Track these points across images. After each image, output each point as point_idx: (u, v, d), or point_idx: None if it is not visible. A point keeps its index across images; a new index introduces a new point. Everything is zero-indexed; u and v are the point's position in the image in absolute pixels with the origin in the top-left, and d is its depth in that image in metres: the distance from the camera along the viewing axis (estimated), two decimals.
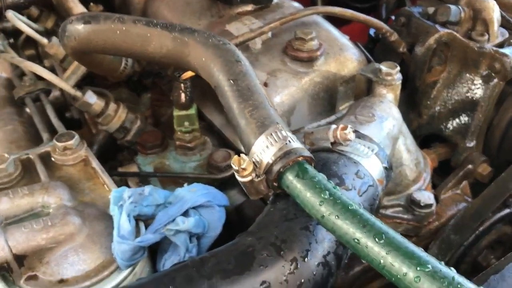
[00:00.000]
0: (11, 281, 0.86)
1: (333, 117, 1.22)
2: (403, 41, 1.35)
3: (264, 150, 0.80)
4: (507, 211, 1.14)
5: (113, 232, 0.90)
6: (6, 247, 0.83)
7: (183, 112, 1.24)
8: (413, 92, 1.32)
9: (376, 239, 0.67)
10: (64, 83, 1.27)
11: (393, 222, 1.10)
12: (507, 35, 1.31)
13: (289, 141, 0.80)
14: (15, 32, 1.60)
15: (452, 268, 0.63)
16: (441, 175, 1.33)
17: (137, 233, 0.93)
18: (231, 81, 0.90)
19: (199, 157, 1.28)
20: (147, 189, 0.97)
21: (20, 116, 1.37)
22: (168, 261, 0.94)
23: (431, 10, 1.37)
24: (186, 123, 1.25)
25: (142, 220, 0.97)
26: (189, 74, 1.16)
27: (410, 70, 1.29)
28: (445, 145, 1.35)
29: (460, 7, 1.31)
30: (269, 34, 1.30)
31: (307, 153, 0.81)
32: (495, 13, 1.29)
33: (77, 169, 1.05)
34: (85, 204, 0.97)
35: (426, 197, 1.09)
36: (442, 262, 0.64)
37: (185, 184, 1.05)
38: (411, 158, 1.12)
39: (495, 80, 1.22)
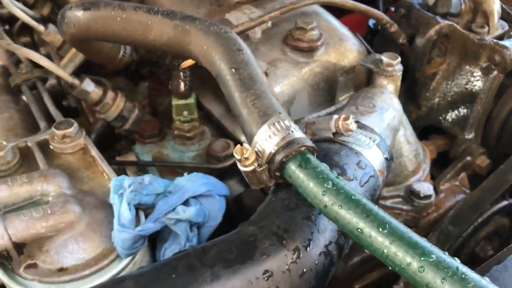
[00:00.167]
0: (10, 269, 0.86)
1: (333, 108, 1.22)
2: (403, 32, 1.35)
3: (266, 139, 0.80)
4: (505, 202, 1.15)
5: (113, 220, 0.90)
6: (5, 235, 0.83)
7: (182, 101, 1.23)
8: (413, 84, 1.32)
9: (380, 229, 0.67)
10: (62, 71, 1.25)
11: (392, 213, 1.10)
12: (507, 27, 1.31)
13: (292, 131, 0.80)
14: (11, 19, 1.58)
15: (456, 258, 0.63)
16: (438, 166, 1.33)
17: (137, 222, 0.93)
18: (233, 70, 0.89)
19: (197, 146, 1.28)
20: (147, 178, 0.97)
21: (16, 104, 1.35)
22: (168, 250, 0.93)
23: (431, 1, 1.36)
24: (185, 113, 1.24)
25: (142, 209, 0.97)
26: (188, 62, 1.15)
27: (410, 61, 1.29)
28: (444, 136, 1.35)
29: None
30: (269, 24, 1.29)
31: (309, 143, 0.80)
32: (495, 5, 1.29)
33: (76, 158, 1.04)
34: (85, 192, 0.96)
35: (425, 188, 1.09)
36: (446, 252, 0.64)
37: (185, 173, 1.04)
38: (411, 149, 1.12)
39: (495, 72, 1.22)
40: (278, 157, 0.78)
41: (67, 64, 1.35)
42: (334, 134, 0.92)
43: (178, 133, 1.27)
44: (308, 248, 0.76)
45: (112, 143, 1.45)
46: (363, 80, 1.32)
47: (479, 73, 1.24)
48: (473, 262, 1.15)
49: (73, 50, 1.31)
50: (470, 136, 1.28)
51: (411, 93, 1.34)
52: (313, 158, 0.78)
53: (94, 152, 1.04)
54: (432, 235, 1.09)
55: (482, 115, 1.27)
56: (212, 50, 0.93)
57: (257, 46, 1.25)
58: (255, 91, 0.86)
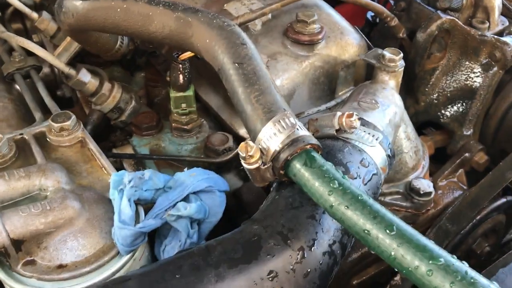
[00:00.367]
0: (8, 266, 0.84)
1: (333, 102, 1.21)
2: (403, 27, 1.34)
3: (271, 137, 0.79)
4: (503, 200, 1.15)
5: (112, 216, 0.89)
6: (3, 232, 0.81)
7: (181, 94, 1.21)
8: (412, 79, 1.31)
9: (387, 231, 0.67)
10: (58, 61, 1.23)
11: (391, 209, 1.10)
12: (507, 23, 1.31)
13: (297, 128, 0.79)
14: (2, 5, 1.54)
15: (465, 262, 0.63)
16: (435, 162, 1.33)
17: (137, 217, 0.92)
18: (236, 65, 0.87)
19: (195, 139, 1.26)
20: (147, 173, 0.95)
21: (9, 93, 1.33)
22: (168, 246, 0.93)
23: None
24: (183, 105, 1.23)
25: (141, 205, 0.95)
26: (187, 54, 1.13)
27: (410, 56, 1.28)
28: (442, 132, 1.35)
29: None
30: (269, 15, 1.27)
31: (314, 141, 0.80)
32: (496, 1, 1.28)
33: (74, 151, 1.02)
34: (84, 187, 0.95)
35: (425, 185, 1.09)
36: (454, 256, 0.64)
37: (185, 168, 1.03)
38: (411, 145, 1.12)
39: (495, 69, 1.22)
40: (283, 155, 0.78)
41: (62, 53, 1.32)
42: (337, 131, 0.91)
43: (176, 126, 1.25)
44: (313, 248, 0.76)
45: (107, 134, 1.42)
46: (362, 74, 1.31)
47: (479, 69, 1.24)
48: (469, 258, 1.15)
49: (68, 38, 1.28)
50: (468, 132, 1.28)
51: (410, 88, 1.33)
52: (318, 157, 0.77)
53: (92, 145, 1.03)
54: (430, 231, 1.10)
55: (481, 112, 1.27)
56: (215, 44, 0.91)
57: (257, 38, 1.24)
58: (259, 87, 0.84)
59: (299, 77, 1.20)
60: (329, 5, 1.36)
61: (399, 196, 1.12)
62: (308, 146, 0.78)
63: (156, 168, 1.21)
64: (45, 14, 1.35)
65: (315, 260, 0.76)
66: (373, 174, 0.89)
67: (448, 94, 1.30)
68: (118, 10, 0.95)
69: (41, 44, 1.46)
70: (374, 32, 1.52)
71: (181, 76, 1.19)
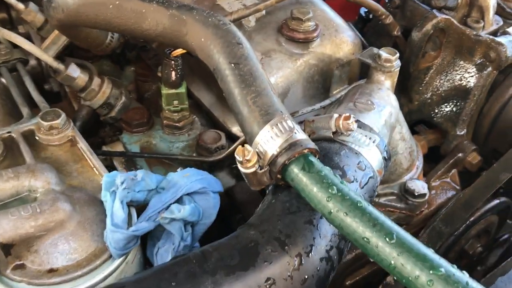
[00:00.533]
0: None
1: (327, 101, 1.20)
2: (397, 25, 1.33)
3: (268, 140, 0.77)
4: (496, 201, 1.16)
5: (104, 218, 0.87)
6: None
7: (173, 91, 1.19)
8: (406, 77, 1.31)
9: (387, 239, 0.66)
10: (46, 55, 1.19)
11: (385, 211, 1.10)
12: (501, 23, 1.31)
13: (294, 132, 0.78)
14: None
15: (465, 272, 0.63)
16: (427, 161, 1.33)
17: (129, 220, 0.90)
18: (232, 65, 0.86)
19: (187, 137, 1.24)
20: (139, 174, 0.93)
21: None
22: (162, 249, 0.91)
23: None
24: (175, 102, 1.20)
25: (134, 206, 0.93)
26: (180, 51, 1.11)
27: (405, 55, 1.27)
28: (434, 131, 1.35)
29: None
30: (263, 12, 1.25)
31: (312, 145, 0.78)
32: (491, 0, 1.28)
33: (64, 150, 1.00)
34: (74, 188, 0.92)
35: (420, 186, 1.09)
36: (455, 265, 0.63)
37: (179, 168, 1.01)
38: (406, 146, 1.11)
39: (489, 69, 1.22)
40: (281, 160, 0.76)
41: (49, 46, 1.28)
42: (334, 133, 0.90)
43: (167, 123, 1.23)
44: (310, 254, 0.75)
45: (96, 129, 1.40)
46: (357, 72, 1.30)
47: (474, 69, 1.24)
48: (461, 258, 1.16)
49: (56, 31, 1.25)
50: (462, 132, 1.28)
51: (403, 87, 1.33)
52: (316, 161, 0.76)
53: (83, 144, 1.00)
54: (424, 232, 1.10)
55: (475, 112, 1.27)
56: (210, 43, 0.89)
57: (251, 35, 1.22)
58: (255, 88, 0.83)
59: (293, 76, 1.19)
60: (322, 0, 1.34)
61: (394, 197, 1.11)
62: (306, 151, 0.77)
63: (147, 166, 1.19)
64: (32, 5, 1.31)
65: (312, 266, 0.75)
66: (370, 177, 0.89)
67: (442, 94, 1.29)
68: (111, 6, 0.92)
69: (27, 36, 1.42)
70: (368, 29, 1.51)
71: (173, 73, 1.16)
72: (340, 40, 1.23)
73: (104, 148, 1.24)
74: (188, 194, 0.95)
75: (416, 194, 1.08)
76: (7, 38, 1.22)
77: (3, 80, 1.31)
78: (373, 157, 0.91)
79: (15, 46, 1.32)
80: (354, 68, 1.27)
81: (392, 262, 0.65)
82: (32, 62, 1.44)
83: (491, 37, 1.21)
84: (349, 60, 1.20)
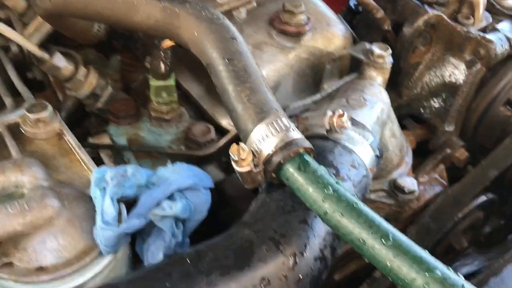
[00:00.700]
0: None
1: (318, 96, 1.19)
2: (388, 19, 1.32)
3: (263, 138, 0.77)
4: (483, 198, 1.17)
5: (93, 214, 0.85)
6: None
7: (161, 83, 1.17)
8: (396, 73, 1.30)
9: (383, 241, 0.66)
10: (30, 44, 1.16)
11: (375, 207, 1.10)
12: (490, 20, 1.31)
13: (290, 131, 0.77)
14: None
15: (460, 275, 0.63)
16: (414, 156, 1.34)
17: (119, 216, 0.88)
18: (226, 61, 0.84)
19: (175, 129, 1.22)
20: (129, 169, 0.91)
21: None
22: (152, 246, 0.89)
23: None
24: (164, 94, 1.18)
25: (123, 202, 0.92)
26: (170, 42, 1.09)
27: (395, 50, 1.27)
28: (422, 126, 1.36)
29: None
30: (254, 3, 1.23)
31: (308, 144, 0.78)
32: None
33: (51, 144, 0.97)
34: (62, 183, 0.90)
35: (409, 183, 1.10)
36: (450, 268, 0.63)
37: (168, 163, 0.99)
38: (396, 142, 1.11)
39: (478, 66, 1.23)
40: (276, 159, 0.76)
41: (33, 34, 1.24)
42: (327, 130, 0.90)
43: (156, 115, 1.21)
44: (305, 254, 0.75)
45: (81, 120, 1.37)
46: (347, 66, 1.29)
47: (463, 66, 1.24)
48: (448, 253, 1.17)
49: (39, 17, 1.21)
50: (450, 128, 1.29)
51: (393, 82, 1.32)
52: (312, 161, 0.76)
53: (71, 138, 0.98)
54: (412, 228, 1.10)
55: (463, 108, 1.27)
56: (203, 38, 0.87)
57: (242, 27, 1.20)
58: (250, 85, 0.82)
59: (284, 69, 1.18)
60: None
61: (383, 193, 1.12)
62: (301, 150, 0.76)
63: (135, 159, 1.17)
64: None
65: (307, 266, 0.75)
66: (363, 176, 0.89)
67: (431, 89, 1.30)
68: None
69: (8, 21, 1.37)
70: (357, 22, 1.50)
71: (162, 65, 1.14)
72: (332, 34, 1.22)
73: (90, 139, 1.21)
74: (179, 190, 0.94)
75: (406, 191, 1.09)
76: None
77: None
78: (366, 155, 0.91)
79: None
80: (345, 62, 1.26)
81: (389, 264, 0.65)
82: (13, 48, 1.39)
83: (481, 34, 1.21)
84: (341, 55, 1.19)
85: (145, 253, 0.90)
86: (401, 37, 1.25)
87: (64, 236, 0.83)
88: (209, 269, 0.70)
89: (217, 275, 0.70)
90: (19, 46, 1.38)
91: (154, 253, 0.88)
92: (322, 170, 0.75)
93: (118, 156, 1.18)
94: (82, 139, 1.20)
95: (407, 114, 1.36)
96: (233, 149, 0.76)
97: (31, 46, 1.15)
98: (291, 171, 0.75)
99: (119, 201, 0.90)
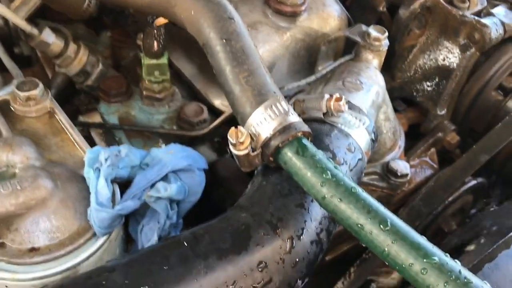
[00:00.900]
0: None
1: (312, 77, 1.18)
2: (383, 0, 1.31)
3: (262, 122, 0.76)
4: (473, 182, 1.18)
5: (87, 195, 0.84)
6: None
7: (154, 61, 1.15)
8: (389, 55, 1.30)
9: (381, 226, 0.66)
10: (18, 18, 1.12)
11: (367, 189, 1.11)
12: (485, 3, 1.31)
13: (289, 114, 0.76)
14: None
15: (457, 261, 0.64)
16: (406, 139, 1.34)
17: (112, 197, 0.87)
18: (224, 41, 0.83)
19: (167, 109, 1.21)
20: (123, 150, 0.90)
21: None
22: (146, 227, 0.89)
23: None
24: (156, 73, 1.16)
25: (117, 182, 0.91)
26: (164, 20, 1.06)
27: (391, 32, 1.26)
28: (414, 109, 1.36)
29: None
30: None
31: (306, 128, 0.77)
32: None
33: (42, 122, 0.95)
34: (54, 163, 0.88)
35: (402, 166, 1.10)
36: (447, 254, 0.64)
37: (162, 144, 0.98)
38: (390, 126, 1.11)
39: (472, 50, 1.23)
40: (274, 142, 0.75)
41: (20, 7, 1.20)
42: (324, 114, 0.89)
43: (147, 94, 1.19)
44: (301, 237, 0.75)
45: (70, 97, 1.34)
46: (342, 47, 1.28)
47: (457, 50, 1.24)
48: (437, 236, 1.19)
49: None
50: (442, 112, 1.29)
51: (387, 64, 1.32)
52: (310, 145, 0.75)
53: (62, 117, 0.96)
54: (403, 211, 1.11)
55: (456, 92, 1.28)
56: (200, 17, 0.85)
57: (237, 5, 1.17)
58: (248, 67, 0.81)
59: (279, 50, 1.16)
60: None
61: (376, 176, 1.12)
62: (299, 134, 0.75)
63: (127, 138, 1.16)
64: None
65: (303, 249, 0.75)
66: (359, 160, 0.89)
67: (425, 73, 1.30)
68: None
69: None
70: (352, 3, 1.48)
71: (155, 43, 1.12)
72: (328, 15, 1.21)
73: (81, 118, 1.19)
74: (173, 172, 0.93)
75: (399, 174, 1.10)
76: None
77: None
78: (361, 139, 0.91)
79: None
80: (340, 44, 1.25)
81: (386, 249, 0.65)
82: None
83: (476, 18, 1.21)
84: (337, 36, 1.18)
85: (139, 234, 0.90)
86: (397, 20, 1.24)
87: (57, 217, 0.82)
88: (207, 252, 0.70)
89: (214, 259, 0.70)
90: (4, 19, 1.34)
91: (149, 234, 0.88)
92: (320, 154, 0.74)
93: (109, 135, 1.16)
94: (72, 117, 1.18)
95: (399, 96, 1.36)
96: (232, 132, 0.75)
97: (19, 21, 1.12)
98: (289, 155, 0.74)
99: (112, 182, 0.89)
